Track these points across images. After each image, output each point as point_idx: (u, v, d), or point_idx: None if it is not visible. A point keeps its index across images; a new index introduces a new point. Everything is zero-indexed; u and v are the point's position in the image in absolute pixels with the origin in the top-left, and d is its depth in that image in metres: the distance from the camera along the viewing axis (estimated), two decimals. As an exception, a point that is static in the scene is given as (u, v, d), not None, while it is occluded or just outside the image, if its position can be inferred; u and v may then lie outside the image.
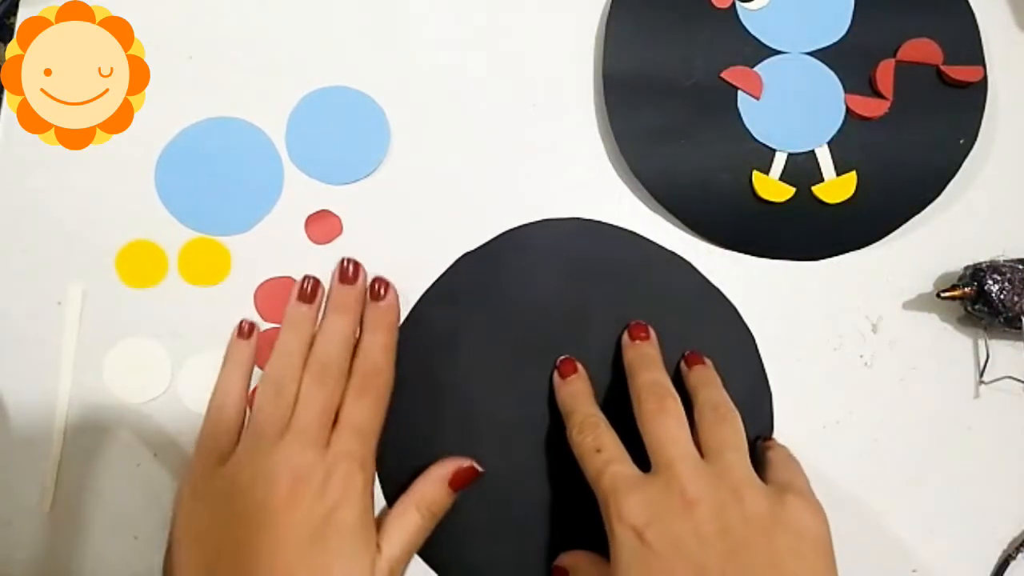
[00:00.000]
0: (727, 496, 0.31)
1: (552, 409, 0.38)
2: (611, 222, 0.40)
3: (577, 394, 0.37)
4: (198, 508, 0.35)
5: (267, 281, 0.40)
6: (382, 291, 0.38)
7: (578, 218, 0.40)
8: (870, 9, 0.41)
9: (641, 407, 0.35)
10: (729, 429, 0.34)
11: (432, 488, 0.36)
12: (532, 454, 0.38)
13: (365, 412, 0.36)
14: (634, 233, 0.40)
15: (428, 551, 0.37)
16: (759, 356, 0.39)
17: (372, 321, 0.38)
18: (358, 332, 0.38)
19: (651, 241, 0.40)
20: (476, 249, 0.40)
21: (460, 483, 0.37)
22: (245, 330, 0.39)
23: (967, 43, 0.41)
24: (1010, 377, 0.39)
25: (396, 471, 0.38)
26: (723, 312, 0.40)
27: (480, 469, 0.37)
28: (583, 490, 0.35)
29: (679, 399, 0.35)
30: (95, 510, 0.39)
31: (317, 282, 0.39)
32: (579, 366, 0.38)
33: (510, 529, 0.38)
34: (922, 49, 0.40)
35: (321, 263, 0.40)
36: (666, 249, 0.40)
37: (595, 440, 0.35)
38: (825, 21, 0.41)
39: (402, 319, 0.39)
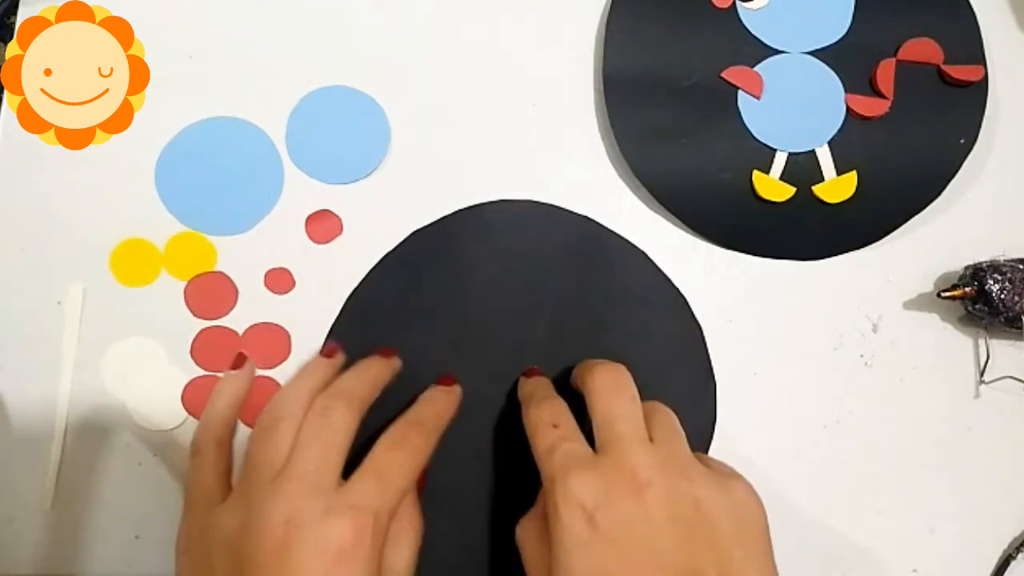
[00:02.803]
0: (677, 479, 0.30)
1: (495, 389, 0.38)
2: (611, 222, 0.40)
3: (539, 383, 0.37)
4: (190, 563, 0.32)
5: (196, 278, 0.40)
6: (449, 382, 0.37)
7: (532, 200, 0.40)
8: (870, 9, 0.41)
9: (595, 381, 0.33)
10: (669, 418, 0.33)
11: (412, 506, 0.34)
12: (472, 434, 0.38)
13: (395, 459, 0.32)
14: (588, 219, 0.40)
15: None
16: (706, 348, 0.39)
17: (431, 394, 0.36)
18: (377, 392, 0.35)
19: (605, 227, 0.40)
20: (428, 225, 0.40)
21: (422, 482, 0.36)
22: (239, 362, 0.37)
23: (968, 42, 0.41)
24: (1010, 377, 0.39)
25: None
26: (673, 301, 0.40)
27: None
28: (523, 475, 0.34)
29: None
30: (96, 509, 0.39)
31: (338, 347, 0.37)
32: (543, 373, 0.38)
33: (445, 512, 0.37)
34: (923, 48, 0.40)
35: (321, 263, 0.40)
36: (620, 236, 0.40)
37: (552, 416, 0.33)
38: (825, 21, 0.41)
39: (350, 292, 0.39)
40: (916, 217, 0.40)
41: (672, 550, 0.29)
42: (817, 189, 0.40)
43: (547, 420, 0.33)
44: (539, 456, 0.32)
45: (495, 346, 0.39)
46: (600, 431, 0.32)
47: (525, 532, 0.34)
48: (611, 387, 0.33)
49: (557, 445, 0.32)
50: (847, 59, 0.41)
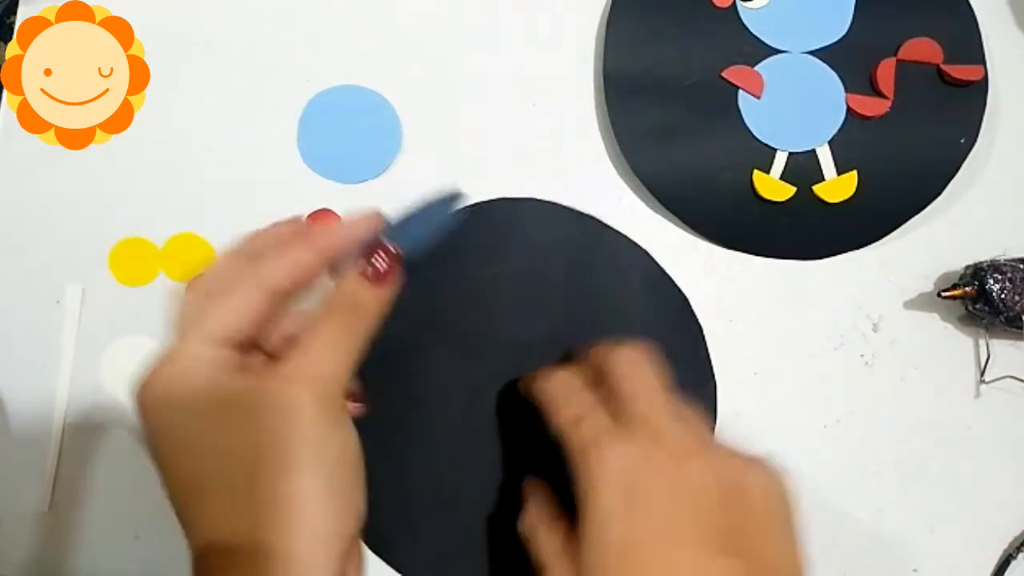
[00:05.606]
0: (711, 453, 0.31)
1: (497, 387, 0.38)
2: (611, 222, 0.40)
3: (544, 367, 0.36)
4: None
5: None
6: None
7: (534, 198, 0.40)
8: (870, 8, 0.41)
9: (621, 356, 0.32)
10: (686, 406, 0.33)
11: (353, 288, 0.30)
12: (475, 432, 0.38)
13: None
14: (590, 216, 0.40)
15: (370, 535, 0.37)
16: (706, 346, 0.39)
17: None
18: None
19: (607, 225, 0.40)
20: None
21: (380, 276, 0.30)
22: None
23: (968, 42, 0.41)
24: (1011, 376, 0.39)
25: None
26: (673, 300, 0.40)
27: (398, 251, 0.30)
28: (528, 471, 0.35)
29: None
30: (94, 509, 0.39)
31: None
32: None
33: (450, 510, 0.38)
34: (923, 48, 0.40)
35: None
36: (621, 234, 0.40)
37: (566, 387, 0.33)
38: (826, 20, 0.41)
39: None
40: (916, 217, 0.40)
41: (708, 519, 0.29)
42: (817, 189, 0.40)
43: (562, 392, 0.33)
44: (563, 428, 0.32)
45: (497, 344, 0.39)
46: (630, 404, 0.31)
47: (528, 525, 0.34)
48: (639, 362, 0.33)
49: (583, 416, 0.31)
50: (847, 59, 0.41)
